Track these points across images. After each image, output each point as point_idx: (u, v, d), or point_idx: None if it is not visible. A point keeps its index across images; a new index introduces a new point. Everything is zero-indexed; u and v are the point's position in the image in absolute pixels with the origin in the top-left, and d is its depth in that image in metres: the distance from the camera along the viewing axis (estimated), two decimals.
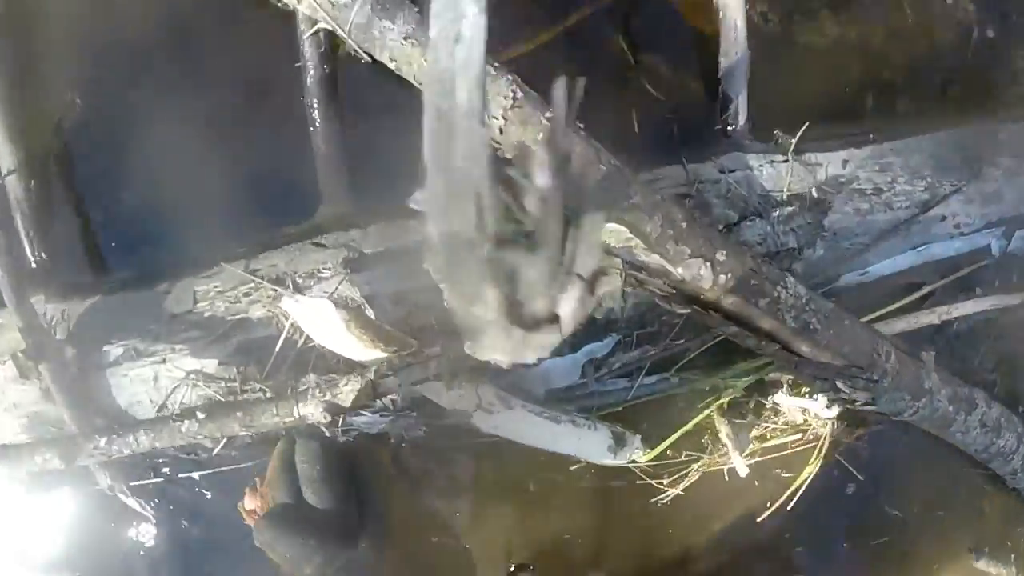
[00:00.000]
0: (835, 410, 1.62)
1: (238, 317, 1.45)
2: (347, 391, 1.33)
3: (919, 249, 1.65)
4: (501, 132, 1.35)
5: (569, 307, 0.84)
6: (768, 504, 1.77)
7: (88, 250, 1.56)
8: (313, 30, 1.46)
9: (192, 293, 1.47)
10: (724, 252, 1.36)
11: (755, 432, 1.68)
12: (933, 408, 1.58)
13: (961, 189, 1.63)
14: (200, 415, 1.34)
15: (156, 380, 1.46)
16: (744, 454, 1.62)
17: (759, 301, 1.38)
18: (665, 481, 1.66)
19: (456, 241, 0.76)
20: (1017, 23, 1.81)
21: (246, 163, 1.53)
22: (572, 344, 1.47)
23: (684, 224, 1.34)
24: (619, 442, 1.51)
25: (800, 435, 1.70)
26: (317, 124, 1.51)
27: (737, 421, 1.67)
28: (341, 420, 1.50)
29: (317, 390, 1.33)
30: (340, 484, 1.32)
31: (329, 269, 1.44)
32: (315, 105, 1.51)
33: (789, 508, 1.77)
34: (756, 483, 1.75)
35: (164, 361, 1.46)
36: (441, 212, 0.76)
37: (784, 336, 1.43)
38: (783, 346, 1.45)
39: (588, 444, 1.49)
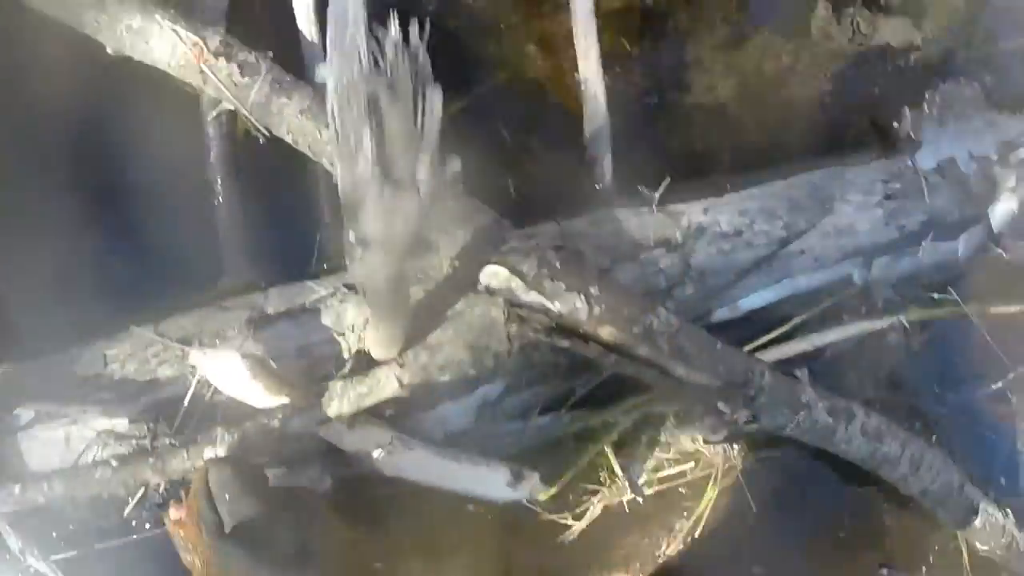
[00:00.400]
0: (722, 434, 1.75)
1: (148, 378, 1.54)
2: (253, 432, 1.42)
3: (782, 282, 1.81)
4: None
5: (424, 172, 1.04)
6: (673, 533, 1.87)
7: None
8: (216, 111, 1.62)
9: (103, 356, 1.55)
10: (597, 287, 1.51)
11: (651, 463, 1.79)
12: (813, 420, 1.72)
13: (815, 225, 1.81)
14: (114, 463, 1.42)
15: (68, 441, 1.52)
16: (641, 483, 1.73)
17: (633, 329, 1.52)
18: (568, 517, 1.73)
19: (343, 92, 0.97)
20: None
21: (153, 237, 1.64)
22: (465, 387, 1.57)
23: (558, 263, 1.51)
24: (517, 477, 1.59)
25: (694, 463, 1.80)
26: (220, 199, 1.64)
27: (629, 456, 1.78)
28: None
29: (225, 434, 1.41)
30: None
31: (233, 329, 1.54)
32: (218, 181, 1.64)
33: (695, 536, 1.86)
34: (660, 514, 1.84)
35: (75, 422, 1.52)
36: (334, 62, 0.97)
37: (661, 361, 1.57)
38: (661, 371, 1.58)
39: (488, 482, 1.58)
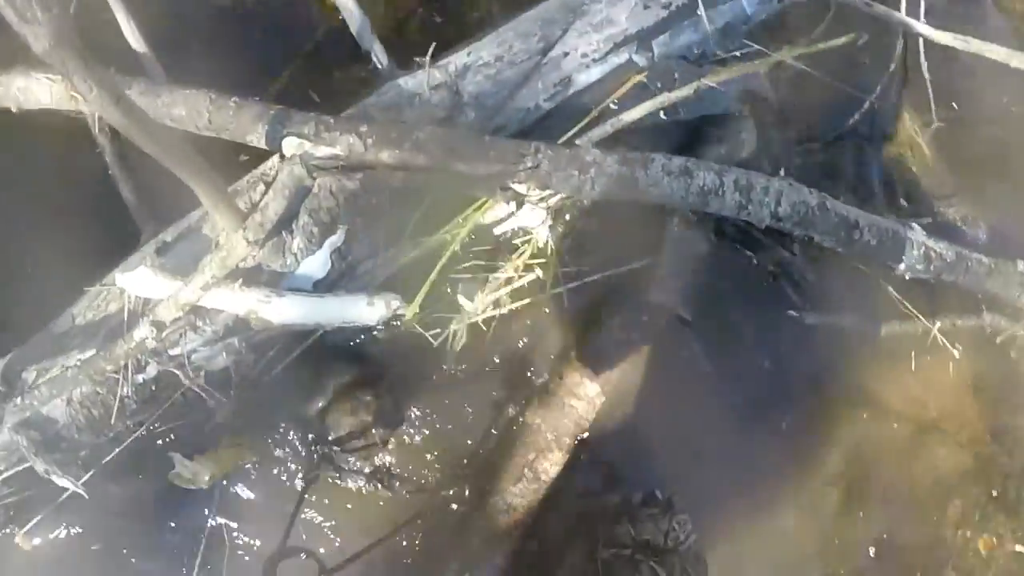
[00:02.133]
0: (539, 213, 2.18)
1: (103, 316, 2.18)
2: (161, 308, 2.02)
3: (562, 83, 2.25)
4: (210, 122, 2.12)
5: None
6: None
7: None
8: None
9: (71, 316, 2.22)
10: (365, 125, 2.04)
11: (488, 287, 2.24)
12: (606, 174, 2.11)
13: (567, 29, 2.26)
14: (78, 363, 2.05)
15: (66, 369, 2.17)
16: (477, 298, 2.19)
17: (404, 145, 2.03)
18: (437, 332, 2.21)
19: None
20: None
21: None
22: (314, 242, 2.12)
23: (331, 119, 2.05)
24: (373, 296, 2.10)
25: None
26: (121, 183, 2.31)
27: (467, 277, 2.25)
28: (187, 360, 2.17)
29: (143, 317, 2.03)
30: None
31: (148, 260, 2.17)
32: (115, 168, 2.32)
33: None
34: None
35: (63, 367, 2.18)
36: None
37: (440, 163, 2.05)
38: (445, 170, 2.06)
39: (351, 308, 2.09)
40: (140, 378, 2.14)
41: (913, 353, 2.82)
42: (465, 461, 2.34)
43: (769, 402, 2.60)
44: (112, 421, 2.16)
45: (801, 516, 2.65)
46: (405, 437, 2.32)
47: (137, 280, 2.04)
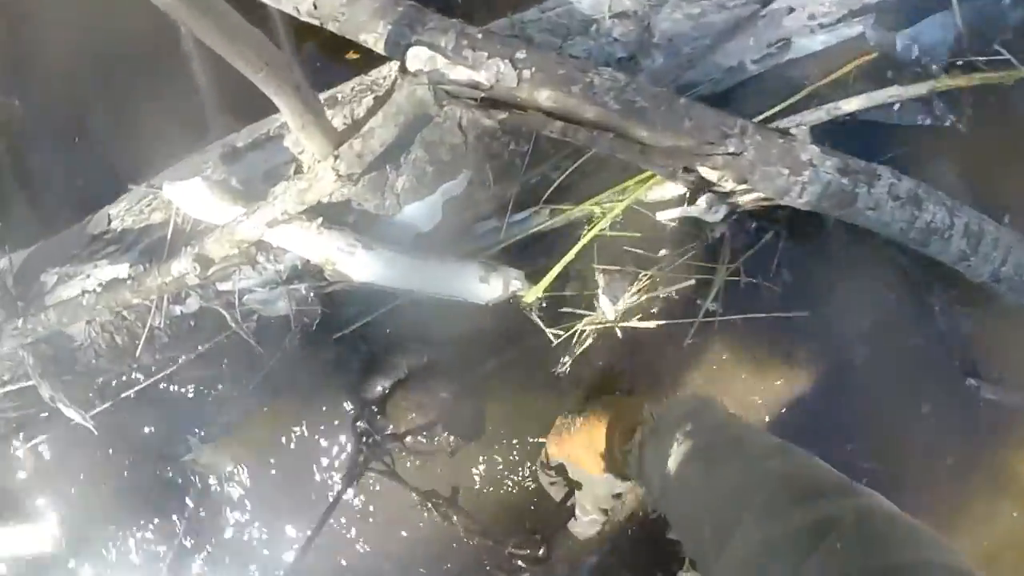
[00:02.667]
0: (721, 212, 1.65)
1: (144, 225, 1.71)
2: (211, 242, 1.54)
3: (777, 45, 1.69)
4: (316, 7, 1.60)
5: None
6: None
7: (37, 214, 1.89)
8: None
9: (107, 216, 1.75)
10: (524, 50, 1.50)
11: (635, 287, 1.73)
12: (822, 181, 1.57)
13: None
14: (97, 288, 1.58)
15: (83, 295, 1.72)
16: (620, 300, 1.67)
17: (572, 88, 1.49)
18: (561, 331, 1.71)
19: None
20: None
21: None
22: (426, 187, 1.60)
23: (479, 35, 1.51)
24: (489, 271, 1.59)
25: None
26: (194, 61, 1.81)
27: (614, 269, 1.72)
28: (237, 299, 1.69)
29: (187, 247, 1.54)
30: None
31: (209, 166, 1.68)
32: (191, 46, 1.81)
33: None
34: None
35: (88, 277, 1.72)
36: None
37: (614, 122, 1.52)
38: (618, 133, 1.53)
39: (459, 279, 1.59)
40: (178, 310, 1.70)
41: None
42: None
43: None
44: (137, 353, 1.71)
45: None
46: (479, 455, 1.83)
47: (188, 194, 1.57)
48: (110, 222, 1.74)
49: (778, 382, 1.90)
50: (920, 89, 1.78)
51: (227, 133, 1.79)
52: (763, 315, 1.86)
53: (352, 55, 1.79)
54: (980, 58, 1.87)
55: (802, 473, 1.06)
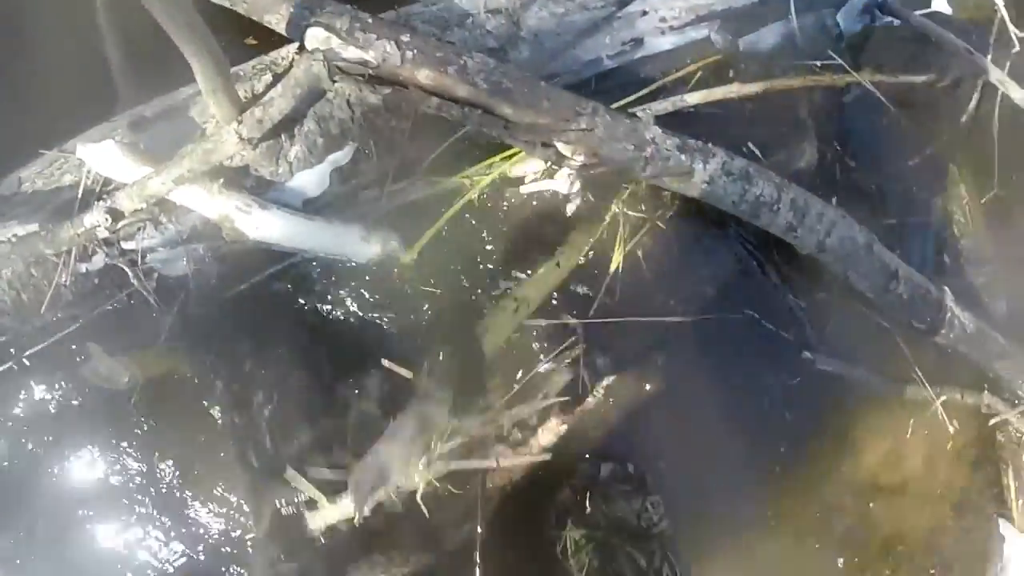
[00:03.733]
0: (574, 184, 1.88)
1: (54, 187, 1.83)
2: (123, 196, 1.68)
3: (631, 44, 1.95)
4: None
5: None
6: None
7: None
8: None
9: (18, 179, 1.86)
10: (407, 34, 1.71)
11: None
12: (663, 157, 1.82)
13: None
14: (13, 239, 1.70)
15: None
16: None
17: (448, 69, 1.70)
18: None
19: None
20: None
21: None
22: (316, 156, 1.79)
23: (370, 20, 1.71)
24: (371, 231, 1.78)
25: None
26: (106, 37, 1.94)
27: None
28: (140, 258, 1.82)
29: (99, 200, 1.68)
30: None
31: (118, 134, 1.82)
32: (103, 24, 1.95)
33: None
34: None
35: None
36: None
37: (482, 100, 1.74)
38: (485, 110, 1.75)
39: (342, 238, 1.77)
40: (83, 267, 1.82)
41: (912, 420, 2.60)
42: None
43: (766, 424, 2.36)
44: (42, 310, 1.81)
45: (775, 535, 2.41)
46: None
47: (101, 155, 1.70)
48: (20, 185, 1.84)
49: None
50: (755, 88, 2.07)
51: (135, 106, 1.92)
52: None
53: (251, 41, 1.95)
54: (816, 63, 2.18)
55: None
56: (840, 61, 2.18)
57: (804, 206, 2.00)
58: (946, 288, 2.32)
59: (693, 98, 2.00)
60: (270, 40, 1.80)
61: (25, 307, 1.84)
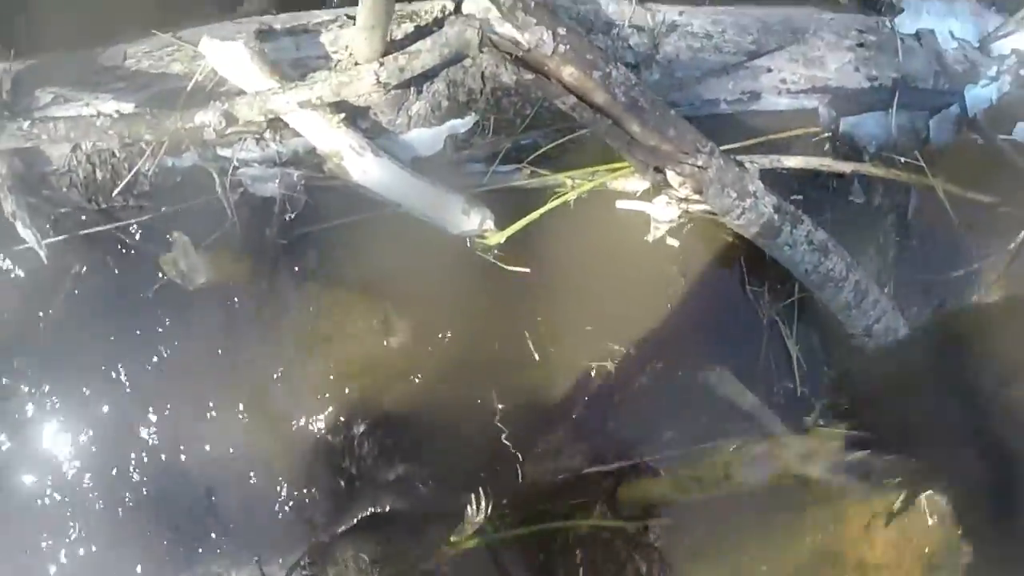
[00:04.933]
0: (672, 211, 1.88)
1: (160, 72, 1.74)
2: (243, 103, 1.61)
3: (749, 94, 1.96)
4: None
5: None
6: None
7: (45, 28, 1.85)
8: None
9: (123, 52, 1.76)
10: (564, 28, 1.68)
11: None
12: (759, 212, 1.84)
13: (785, 47, 1.97)
14: (115, 113, 1.61)
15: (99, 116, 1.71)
16: None
17: (593, 73, 1.68)
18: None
19: None
20: None
21: None
22: (436, 118, 1.74)
23: (532, 3, 1.68)
24: (472, 205, 1.75)
25: None
26: None
27: None
28: (231, 168, 1.75)
29: (217, 101, 1.60)
30: None
31: (242, 36, 1.74)
32: None
33: None
34: None
35: (87, 105, 1.73)
36: None
37: (616, 112, 1.73)
38: (615, 122, 1.73)
39: (444, 204, 1.73)
40: (171, 162, 1.73)
41: None
42: None
43: None
44: (114, 193, 1.73)
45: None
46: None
47: (227, 55, 1.64)
48: (125, 59, 1.75)
49: None
50: (845, 167, 2.11)
51: (260, 11, 1.85)
52: None
53: None
54: (901, 158, 2.23)
55: None
56: (923, 164, 2.22)
57: (865, 290, 2.06)
58: None
59: (790, 162, 2.03)
60: None
61: (97, 185, 1.76)
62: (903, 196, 2.38)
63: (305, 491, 1.88)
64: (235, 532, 1.93)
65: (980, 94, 2.38)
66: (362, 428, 1.95)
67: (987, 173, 2.46)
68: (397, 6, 1.79)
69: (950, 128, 2.38)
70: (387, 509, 1.90)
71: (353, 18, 1.73)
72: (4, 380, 1.84)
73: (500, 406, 1.98)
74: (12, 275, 1.83)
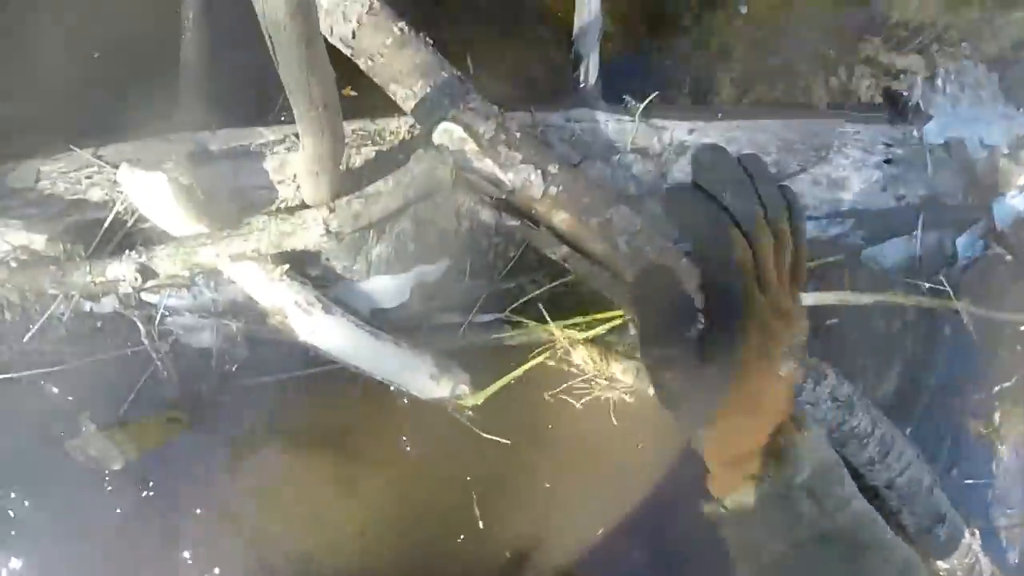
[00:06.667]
0: None
1: (76, 197, 1.40)
2: (164, 255, 1.25)
3: None
4: (354, 36, 1.36)
5: None
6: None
7: None
8: None
9: (36, 171, 1.42)
10: (557, 165, 1.34)
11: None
12: None
13: (807, 169, 1.62)
14: (13, 264, 1.26)
15: None
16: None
17: (590, 220, 1.34)
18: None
19: None
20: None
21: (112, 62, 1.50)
22: (401, 263, 1.40)
23: (518, 134, 1.34)
24: (443, 370, 1.40)
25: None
26: (187, 34, 1.50)
27: None
28: (157, 319, 1.40)
29: (134, 253, 1.25)
30: None
31: (172, 161, 1.39)
32: (189, 17, 1.50)
33: None
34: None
35: None
36: None
37: (616, 264, 1.38)
38: (616, 275, 1.39)
39: (410, 368, 1.39)
40: (89, 307, 1.39)
41: None
42: None
43: None
44: (26, 339, 1.37)
45: None
46: None
47: (147, 187, 1.28)
48: (38, 180, 1.40)
49: None
50: (866, 299, 1.78)
51: (193, 115, 1.50)
52: None
53: (348, 92, 1.55)
54: (926, 284, 1.91)
55: None
56: (947, 288, 1.90)
57: (890, 443, 1.74)
58: (976, 531, 2.11)
59: (807, 299, 1.68)
60: (364, 91, 1.40)
61: (6, 327, 1.40)
62: (928, 320, 2.06)
63: None
64: None
65: (1009, 206, 2.06)
66: None
67: (1016, 290, 2.16)
68: (359, 123, 1.45)
69: (977, 243, 2.06)
70: None
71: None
72: None
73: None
74: None
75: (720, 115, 1.63)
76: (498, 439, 1.49)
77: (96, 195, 1.40)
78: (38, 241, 1.38)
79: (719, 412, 0.78)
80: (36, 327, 1.38)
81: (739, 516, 0.78)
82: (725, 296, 0.74)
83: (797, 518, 0.74)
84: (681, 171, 1.54)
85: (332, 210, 1.25)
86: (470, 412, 1.48)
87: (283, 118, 1.48)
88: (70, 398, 1.43)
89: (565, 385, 1.57)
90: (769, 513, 0.76)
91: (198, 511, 1.49)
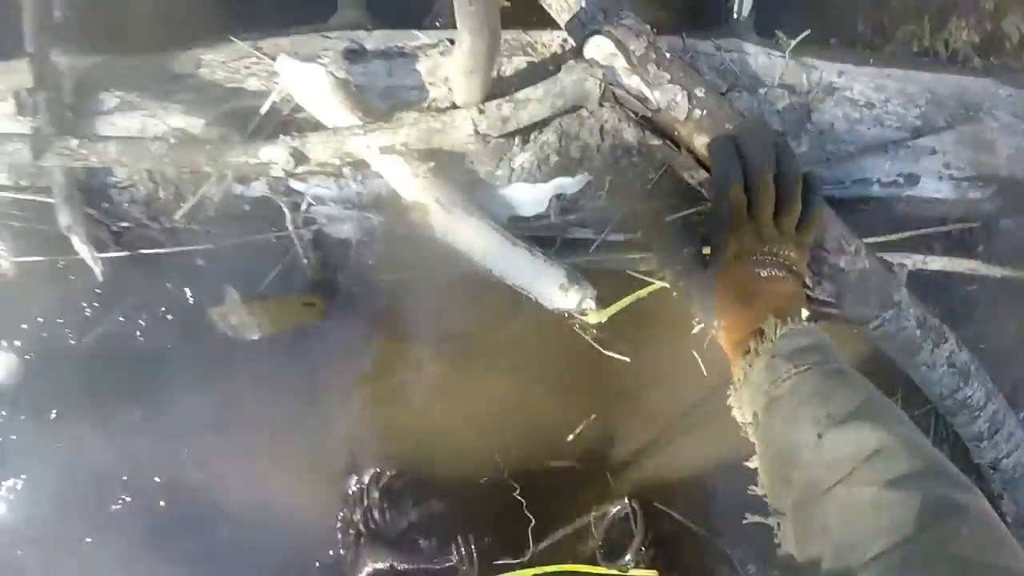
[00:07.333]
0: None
1: (234, 86, 1.43)
2: (316, 142, 1.28)
3: (906, 176, 1.54)
4: None
5: None
6: None
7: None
8: None
9: (197, 60, 1.46)
10: (703, 89, 1.30)
11: None
12: (900, 326, 1.45)
13: (955, 126, 1.54)
14: (172, 140, 1.30)
15: (142, 131, 1.43)
16: None
17: None
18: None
19: None
20: None
21: None
22: (543, 174, 1.39)
23: (668, 55, 1.30)
24: (572, 281, 1.39)
25: None
26: None
27: None
28: (304, 206, 1.44)
29: (288, 137, 1.28)
30: None
31: (329, 55, 1.41)
32: None
33: None
34: None
35: (154, 115, 1.43)
36: None
37: None
38: None
39: (540, 276, 1.38)
40: (239, 189, 1.42)
41: None
42: None
43: None
44: (177, 216, 1.43)
45: None
46: None
47: (304, 78, 1.30)
48: (199, 67, 1.44)
49: None
50: (995, 271, 1.68)
51: (351, 17, 1.51)
52: None
53: (504, 2, 1.53)
54: None
55: (928, 452, 0.89)
56: None
57: (1001, 421, 1.66)
58: None
59: (935, 263, 1.61)
60: (526, 10, 1.38)
61: (159, 205, 1.46)
62: None
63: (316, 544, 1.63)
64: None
65: None
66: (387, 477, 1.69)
67: None
68: (512, 34, 1.44)
69: None
70: (387, 566, 1.65)
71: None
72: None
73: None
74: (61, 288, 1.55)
75: (871, 61, 1.54)
76: (618, 356, 1.47)
77: (253, 84, 1.43)
78: (196, 125, 1.43)
79: (718, 306, 1.12)
80: (189, 205, 1.43)
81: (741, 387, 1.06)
82: (718, 218, 1.16)
83: (776, 376, 0.98)
84: (827, 112, 1.47)
85: (482, 111, 1.25)
86: (593, 329, 1.47)
87: (438, 23, 1.48)
88: (215, 272, 1.47)
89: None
90: (757, 376, 1.01)
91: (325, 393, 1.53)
